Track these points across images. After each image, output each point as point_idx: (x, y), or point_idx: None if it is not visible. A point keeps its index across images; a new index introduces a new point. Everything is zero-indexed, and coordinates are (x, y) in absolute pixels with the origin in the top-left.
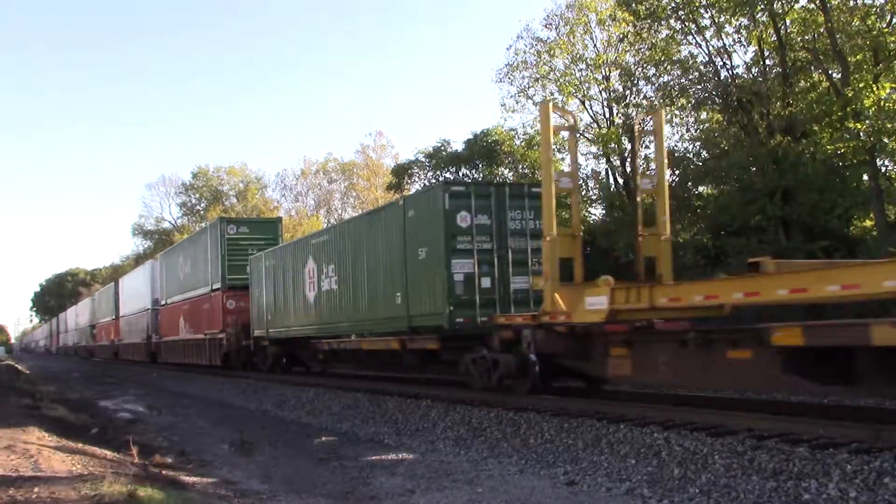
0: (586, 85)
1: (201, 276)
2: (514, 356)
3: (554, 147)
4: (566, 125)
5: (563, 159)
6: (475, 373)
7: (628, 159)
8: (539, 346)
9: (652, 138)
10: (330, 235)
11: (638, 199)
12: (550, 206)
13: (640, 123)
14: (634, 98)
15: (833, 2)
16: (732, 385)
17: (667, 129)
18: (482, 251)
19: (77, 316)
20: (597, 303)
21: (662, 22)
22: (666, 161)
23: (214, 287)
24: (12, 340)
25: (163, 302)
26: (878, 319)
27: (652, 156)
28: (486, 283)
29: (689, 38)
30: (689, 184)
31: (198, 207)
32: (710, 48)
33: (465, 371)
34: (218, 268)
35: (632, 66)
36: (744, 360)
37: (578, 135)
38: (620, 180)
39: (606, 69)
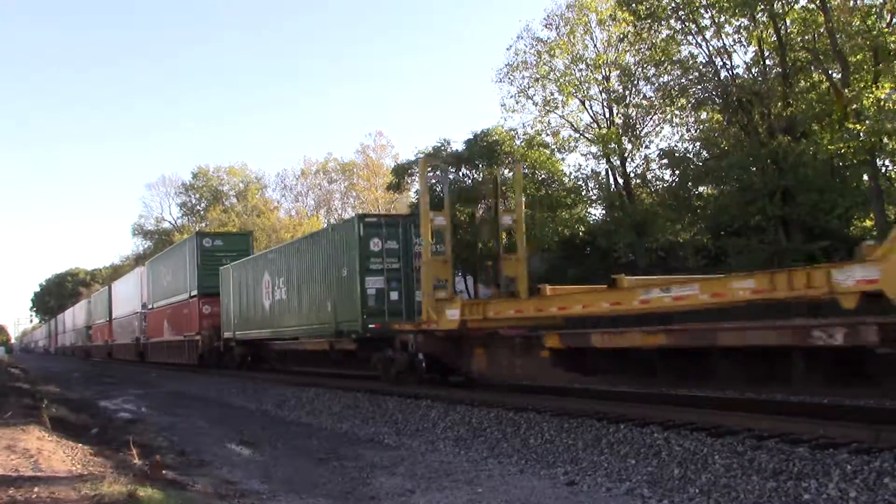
0: (586, 85)
1: (181, 284)
2: (407, 355)
3: (554, 148)
4: (440, 175)
5: (563, 159)
6: (380, 368)
7: (492, 203)
8: (420, 347)
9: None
10: (281, 253)
11: (502, 233)
12: (427, 240)
13: (500, 176)
14: (634, 98)
15: (833, 2)
16: (546, 378)
17: (667, 128)
18: (391, 270)
19: (74, 317)
20: (453, 314)
21: (662, 22)
22: (523, 205)
23: (192, 294)
24: (12, 340)
25: (150, 306)
26: (597, 329)
27: (652, 156)
28: (394, 296)
29: (689, 38)
30: (689, 184)
31: (198, 207)
32: (710, 48)
33: (374, 367)
34: (195, 277)
35: (632, 67)
36: (548, 358)
37: (578, 135)
38: (620, 180)
39: (606, 69)
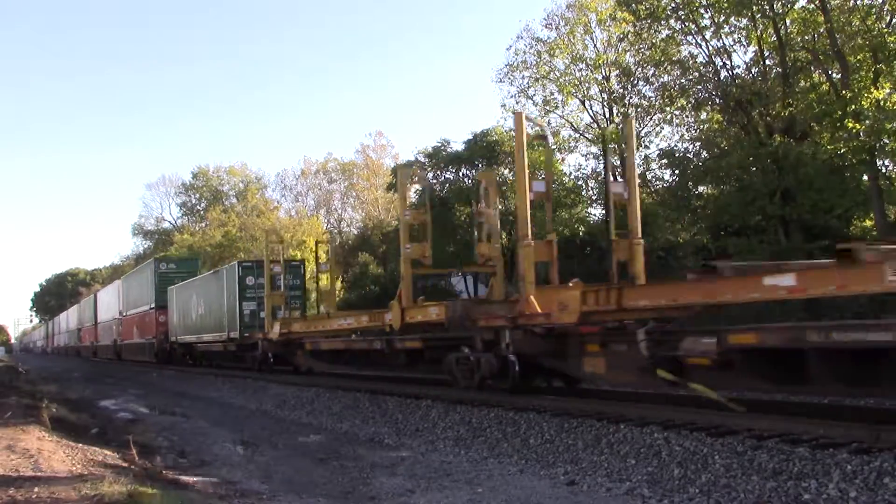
0: (586, 85)
1: (145, 298)
2: (263, 354)
3: (554, 148)
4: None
5: (563, 159)
6: (249, 362)
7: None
8: (267, 349)
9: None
10: (202, 281)
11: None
12: (267, 282)
13: (331, 247)
14: (634, 98)
15: (833, 2)
16: (322, 368)
17: (667, 128)
18: (260, 298)
19: (68, 320)
20: (276, 328)
21: (662, 22)
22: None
23: (151, 306)
24: (12, 340)
25: (124, 313)
26: (327, 338)
27: (652, 156)
28: (262, 315)
29: (689, 38)
30: (690, 184)
31: (198, 207)
32: (710, 48)
33: (247, 361)
34: (153, 293)
35: (632, 67)
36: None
37: (578, 135)
38: (620, 180)
39: (606, 69)
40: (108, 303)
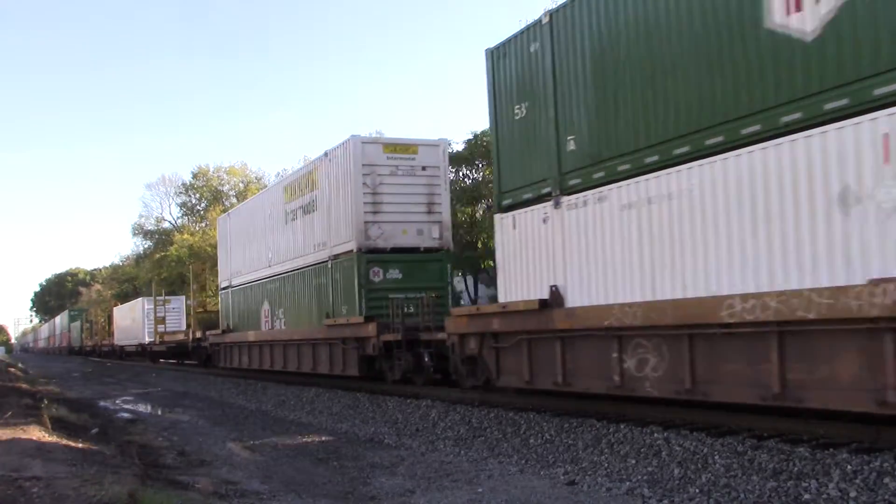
0: None
1: (66, 325)
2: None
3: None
4: None
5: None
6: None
7: None
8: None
9: None
10: (78, 322)
11: None
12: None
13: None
14: None
15: None
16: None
17: None
18: (86, 328)
19: (45, 330)
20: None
21: None
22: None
23: (66, 329)
24: (12, 340)
25: (61, 331)
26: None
27: None
28: (81, 335)
29: None
30: None
31: (198, 207)
32: None
33: (80, 354)
34: (67, 323)
35: None
36: None
37: None
38: None
39: None
40: (56, 324)
